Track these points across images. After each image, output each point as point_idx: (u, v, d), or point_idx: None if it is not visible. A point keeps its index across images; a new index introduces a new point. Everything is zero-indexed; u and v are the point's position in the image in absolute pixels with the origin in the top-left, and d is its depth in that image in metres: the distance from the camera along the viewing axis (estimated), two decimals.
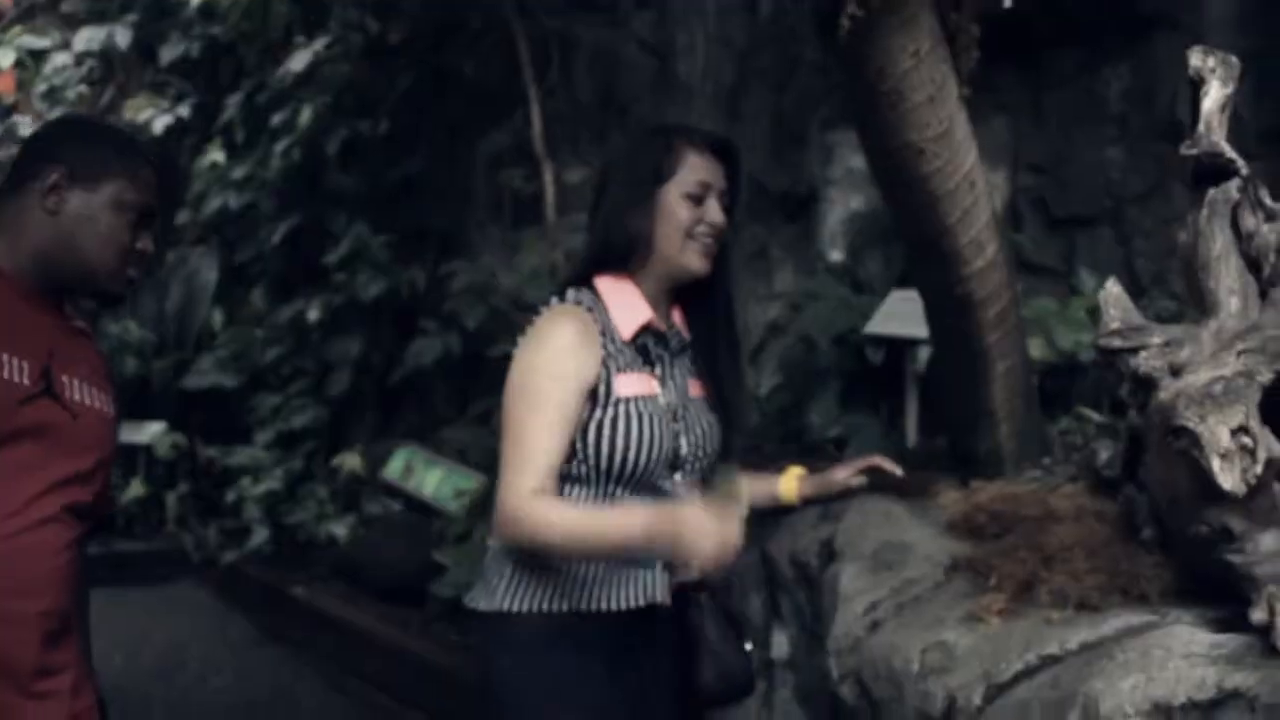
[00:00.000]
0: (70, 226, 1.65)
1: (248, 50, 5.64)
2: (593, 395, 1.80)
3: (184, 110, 6.00)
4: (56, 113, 6.66)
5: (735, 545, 1.65)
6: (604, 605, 1.83)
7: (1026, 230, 3.02)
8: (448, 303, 4.70)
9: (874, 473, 2.14)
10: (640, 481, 1.84)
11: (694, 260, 1.90)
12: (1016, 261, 3.07)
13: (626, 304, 1.89)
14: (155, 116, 5.98)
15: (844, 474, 2.16)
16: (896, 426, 2.70)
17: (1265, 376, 1.27)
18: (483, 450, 4.78)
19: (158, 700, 3.93)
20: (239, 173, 5.67)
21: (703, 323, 2.02)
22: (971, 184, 1.74)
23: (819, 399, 2.83)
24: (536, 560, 1.81)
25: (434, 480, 4.74)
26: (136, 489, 5.52)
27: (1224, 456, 1.20)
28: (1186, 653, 1.24)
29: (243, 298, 5.90)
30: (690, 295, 1.99)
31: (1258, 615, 1.23)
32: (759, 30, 4.08)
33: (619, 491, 1.84)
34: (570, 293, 1.88)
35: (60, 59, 6.48)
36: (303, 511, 4.91)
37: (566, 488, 1.85)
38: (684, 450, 1.89)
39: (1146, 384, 1.37)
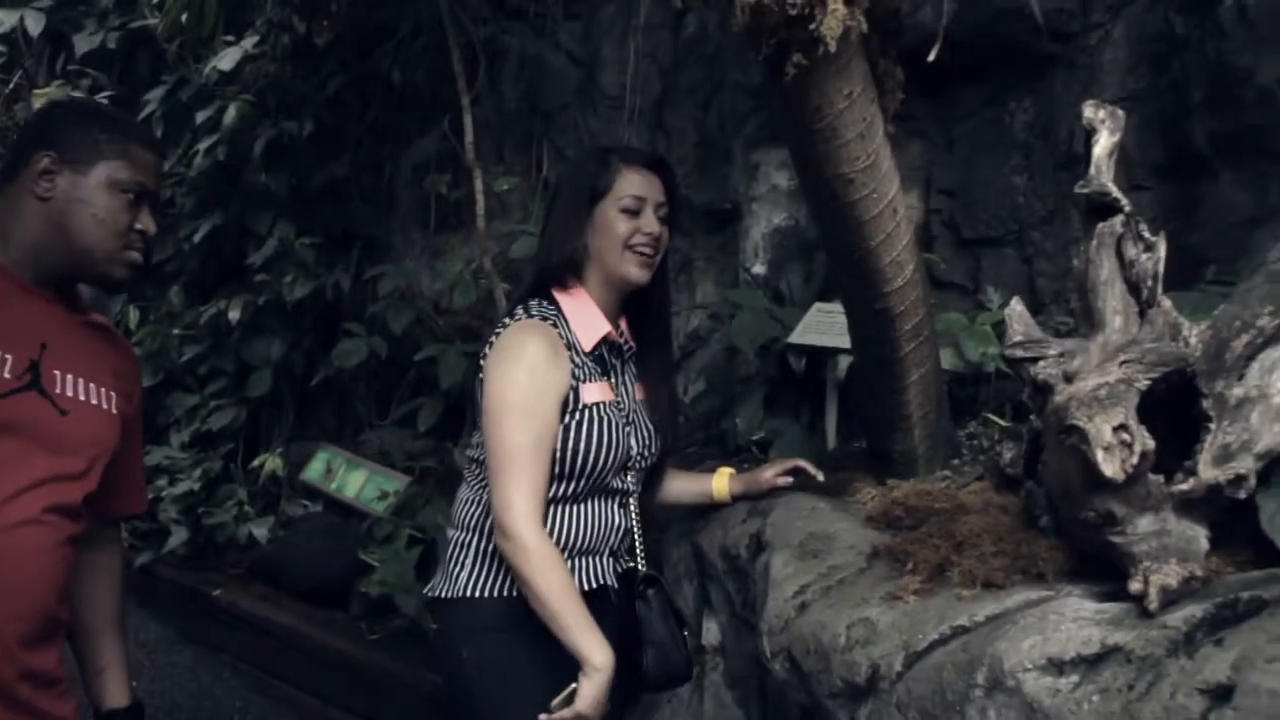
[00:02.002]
0: (62, 210, 1.61)
1: (170, 44, 5.59)
2: (563, 404, 1.94)
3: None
4: None
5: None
6: None
7: (938, 250, 3.22)
8: (373, 306, 4.74)
9: (798, 474, 2.33)
10: (598, 479, 1.99)
11: (633, 270, 2.05)
12: (929, 278, 3.29)
13: (585, 316, 2.03)
14: None
15: (770, 474, 2.34)
16: (817, 430, 2.86)
17: (1142, 383, 1.47)
18: (405, 453, 4.84)
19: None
20: None
21: (641, 331, 2.17)
22: (894, 210, 1.92)
23: (744, 405, 2.98)
24: (498, 549, 1.94)
25: (356, 482, 4.78)
26: None
27: (1106, 449, 1.39)
28: (1076, 617, 1.43)
29: (159, 296, 5.82)
30: (635, 305, 2.14)
31: (1135, 586, 1.43)
32: (684, 47, 4.21)
33: (579, 487, 1.98)
34: (534, 305, 2.01)
35: None
36: (222, 513, 4.87)
37: None
38: (634, 451, 2.05)
39: (1044, 389, 1.56)
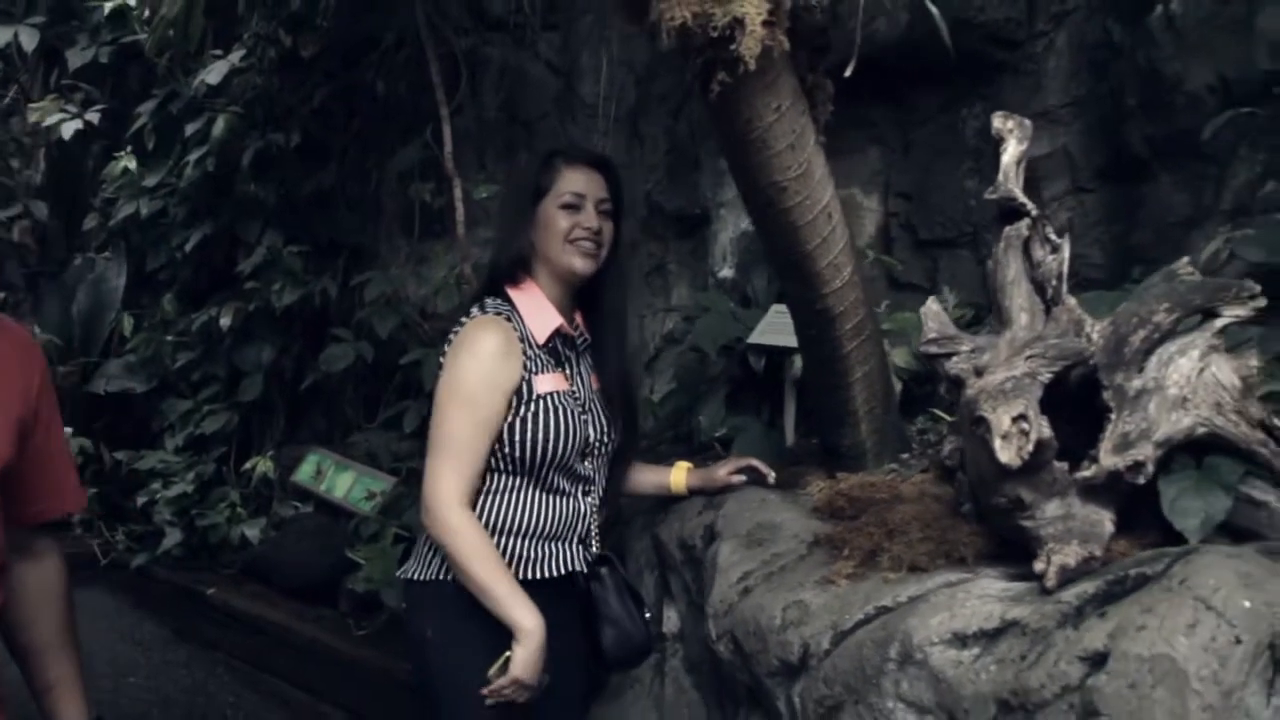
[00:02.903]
0: None
1: (160, 59, 5.71)
2: (516, 395, 2.04)
3: (92, 116, 6.03)
4: None
5: (526, 689, 1.94)
6: (529, 574, 2.07)
7: (896, 251, 3.33)
8: (360, 312, 4.85)
9: (750, 472, 2.43)
10: (559, 467, 2.10)
11: (576, 261, 2.16)
12: (887, 278, 3.39)
13: (537, 310, 2.14)
14: (62, 121, 6.00)
15: (724, 471, 2.45)
16: (776, 427, 2.96)
17: (1045, 376, 1.57)
18: (391, 454, 4.96)
19: None
20: (150, 180, 5.73)
21: (595, 324, 2.28)
22: (829, 215, 2.03)
23: (707, 403, 3.09)
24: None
25: (345, 483, 4.90)
26: None
27: (1004, 438, 1.49)
28: (982, 595, 1.53)
29: (152, 304, 5.93)
30: (588, 299, 2.25)
31: (1038, 566, 1.53)
32: (657, 57, 4.31)
33: (544, 476, 2.09)
34: (489, 302, 2.12)
35: None
36: (215, 514, 5.00)
37: (499, 479, 2.09)
38: (592, 437, 2.15)
39: (957, 383, 1.67)
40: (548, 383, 2.11)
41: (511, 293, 2.15)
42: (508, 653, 1.92)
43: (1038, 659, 1.37)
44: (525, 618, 1.93)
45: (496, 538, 2.08)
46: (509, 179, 2.40)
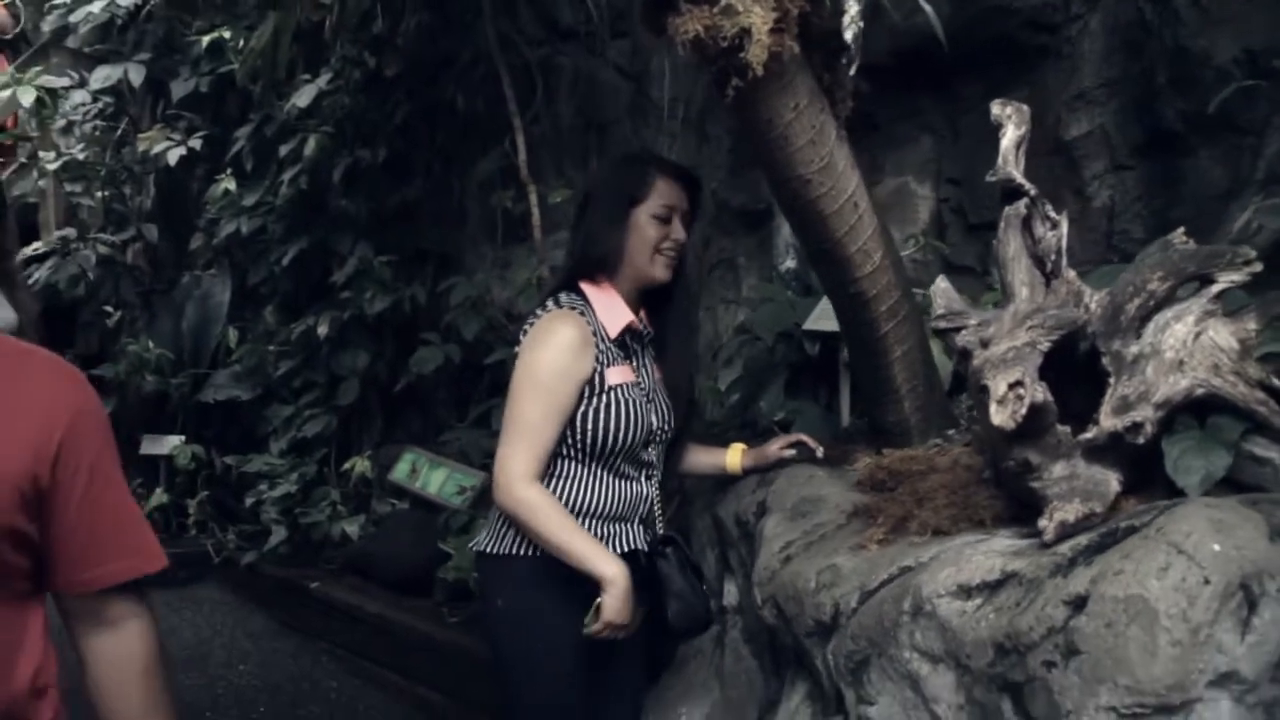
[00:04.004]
0: None
1: (254, 87, 6.03)
2: (588, 386, 2.21)
3: (195, 142, 6.38)
4: (76, 147, 7.12)
5: (625, 629, 2.11)
6: None
7: (949, 236, 3.41)
8: (447, 316, 5.08)
9: (800, 447, 2.56)
10: (626, 454, 2.26)
11: (660, 271, 2.31)
12: (941, 262, 3.47)
13: (611, 307, 2.28)
14: (168, 149, 6.37)
15: (776, 447, 2.58)
16: (833, 409, 3.08)
17: (1044, 345, 1.67)
18: (481, 451, 5.17)
19: (189, 686, 4.31)
20: (249, 200, 6.05)
21: (664, 320, 2.43)
22: (855, 205, 2.15)
23: (768, 388, 3.22)
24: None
25: (438, 480, 5.12)
26: (159, 498, 5.85)
27: (999, 402, 1.60)
28: (988, 551, 1.65)
29: (255, 316, 6.26)
30: (654, 297, 2.40)
31: (1041, 522, 1.64)
32: None
33: (611, 461, 2.25)
34: (564, 297, 2.27)
35: (78, 96, 6.86)
36: (317, 513, 5.28)
37: (569, 465, 2.26)
38: (655, 426, 2.31)
39: (966, 355, 1.78)
40: (617, 375, 2.26)
41: (587, 289, 2.30)
42: (599, 600, 2.07)
43: (1029, 605, 1.48)
44: (607, 567, 2.08)
45: None
46: (592, 181, 2.51)
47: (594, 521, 2.26)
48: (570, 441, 2.23)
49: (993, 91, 3.28)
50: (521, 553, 2.24)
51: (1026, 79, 3.12)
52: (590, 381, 2.22)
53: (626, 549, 2.28)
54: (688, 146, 4.60)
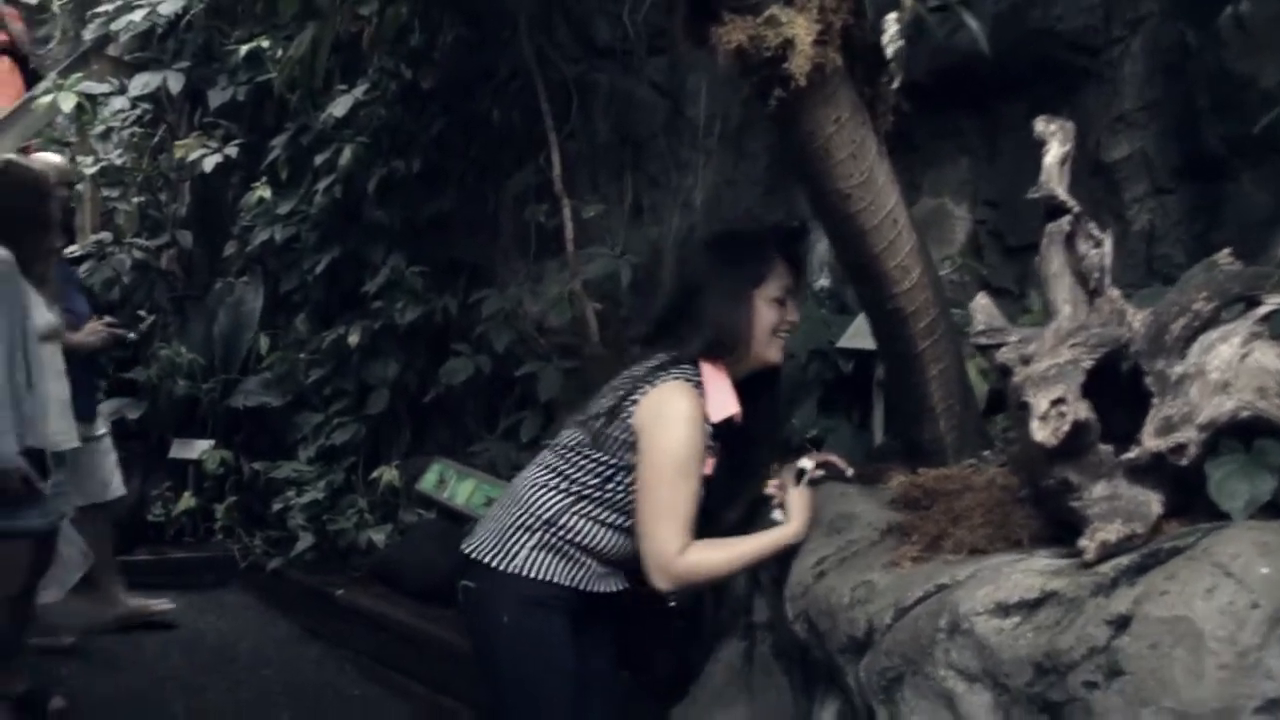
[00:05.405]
0: None
1: (291, 95, 6.10)
2: None
3: (231, 150, 6.46)
4: (114, 153, 7.21)
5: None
6: (597, 588, 2.31)
7: (986, 258, 3.40)
8: (478, 327, 5.10)
9: (829, 467, 2.55)
10: None
11: (775, 354, 2.34)
12: (979, 283, 3.46)
13: (721, 393, 2.28)
14: (204, 156, 6.44)
15: (804, 461, 2.57)
16: (866, 427, 3.08)
17: (1087, 363, 1.66)
18: (510, 463, 5.17)
19: (212, 688, 4.35)
20: (284, 208, 6.11)
21: (755, 410, 2.39)
22: (894, 220, 2.15)
23: (801, 405, 3.22)
24: (562, 548, 2.25)
25: (466, 491, 5.14)
26: (187, 502, 5.90)
27: (1042, 419, 1.59)
28: (1026, 570, 1.63)
29: (287, 324, 6.31)
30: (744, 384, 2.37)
31: (1081, 542, 1.62)
32: None
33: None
34: (687, 369, 2.26)
35: (118, 103, 6.96)
36: (344, 520, 5.31)
37: (605, 511, 2.28)
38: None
39: (1005, 372, 1.77)
40: (708, 465, 2.27)
41: (704, 368, 2.28)
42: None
43: (1070, 624, 1.47)
44: (787, 535, 2.19)
45: (579, 553, 2.29)
46: (704, 260, 2.42)
47: (602, 562, 2.32)
48: (621, 493, 2.25)
49: (1033, 112, 3.23)
50: (533, 575, 2.26)
51: (1067, 101, 3.10)
52: None
53: (616, 589, 2.34)
54: (724, 164, 4.61)
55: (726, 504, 2.40)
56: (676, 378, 2.24)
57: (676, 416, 2.18)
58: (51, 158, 4.86)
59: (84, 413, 4.49)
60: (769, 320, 2.29)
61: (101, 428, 4.72)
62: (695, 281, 2.37)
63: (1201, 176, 2.78)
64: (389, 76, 5.67)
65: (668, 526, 2.16)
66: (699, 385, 2.25)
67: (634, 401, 2.24)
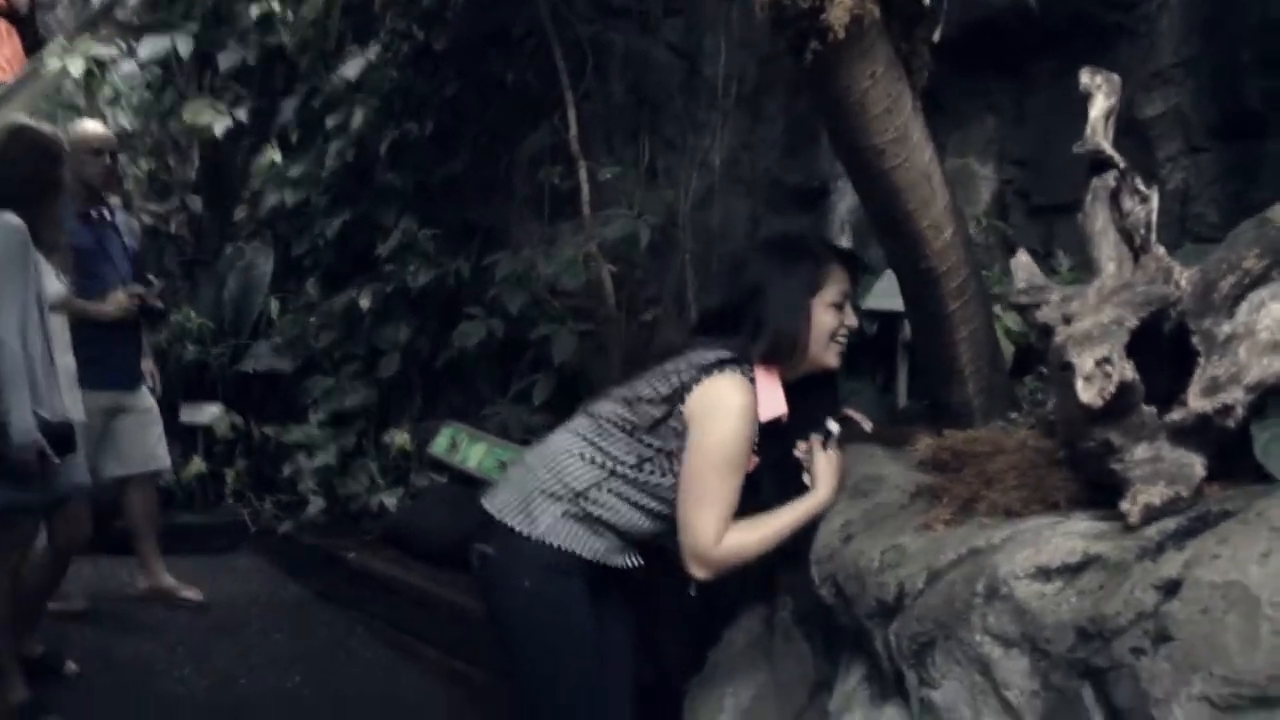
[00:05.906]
0: None
1: (302, 58, 6.03)
2: None
3: (241, 114, 6.38)
4: (123, 117, 7.14)
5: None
6: (616, 562, 2.31)
7: (1011, 218, 3.34)
8: (491, 290, 5.05)
9: (847, 422, 2.51)
10: None
11: (833, 359, 2.34)
12: (1003, 244, 3.40)
13: (771, 394, 2.28)
14: (214, 120, 6.38)
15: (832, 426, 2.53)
16: (890, 389, 3.03)
17: (1131, 322, 1.61)
18: (522, 426, 5.14)
19: (222, 652, 4.32)
20: (295, 171, 6.05)
21: (805, 413, 2.36)
22: (928, 177, 2.09)
23: None
24: (587, 520, 2.24)
25: (478, 454, 5.11)
26: (197, 466, 5.85)
27: (1087, 379, 1.54)
28: (1068, 533, 1.58)
29: (297, 288, 6.26)
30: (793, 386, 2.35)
31: (1124, 505, 1.57)
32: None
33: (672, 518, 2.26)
34: (743, 365, 2.24)
35: (127, 67, 6.88)
36: (355, 484, 5.29)
37: (637, 493, 2.27)
38: None
39: (1047, 331, 1.72)
40: (750, 463, 2.25)
41: (758, 370, 2.28)
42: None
43: (1116, 589, 1.42)
44: (816, 502, 2.19)
45: (601, 527, 2.27)
46: (760, 267, 2.36)
47: (623, 540, 2.31)
48: (661, 478, 2.25)
49: (1064, 71, 3.19)
50: (554, 544, 2.24)
51: (1101, 57, 3.02)
52: None
53: (632, 564, 2.34)
54: (741, 126, 4.54)
55: (780, 503, 2.38)
56: (733, 372, 2.21)
57: (731, 409, 2.19)
58: (94, 126, 4.75)
59: (128, 383, 4.45)
60: (827, 326, 2.30)
61: (148, 399, 4.66)
62: (755, 283, 2.34)
63: (1239, 134, 2.71)
64: (401, 38, 5.59)
65: (709, 516, 2.16)
66: (753, 382, 2.24)
67: (688, 390, 2.22)
